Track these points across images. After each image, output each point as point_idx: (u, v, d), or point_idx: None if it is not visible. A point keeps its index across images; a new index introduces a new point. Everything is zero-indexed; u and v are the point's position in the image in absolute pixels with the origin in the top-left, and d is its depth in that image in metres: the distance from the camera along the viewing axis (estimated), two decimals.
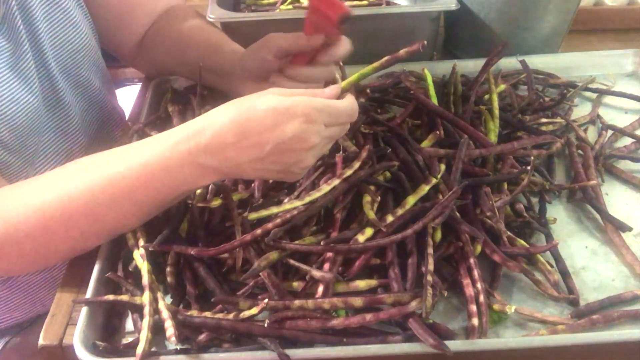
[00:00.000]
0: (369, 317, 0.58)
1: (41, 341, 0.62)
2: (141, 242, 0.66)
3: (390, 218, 0.67)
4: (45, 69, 0.79)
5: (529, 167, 0.72)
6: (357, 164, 0.68)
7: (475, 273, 0.63)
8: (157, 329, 0.59)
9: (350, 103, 0.63)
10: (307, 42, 0.73)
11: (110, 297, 0.63)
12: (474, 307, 0.61)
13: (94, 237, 0.66)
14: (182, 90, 0.93)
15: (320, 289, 0.62)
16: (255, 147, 0.58)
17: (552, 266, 0.67)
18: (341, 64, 0.81)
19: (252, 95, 0.60)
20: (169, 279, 0.65)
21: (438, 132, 0.78)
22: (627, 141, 0.86)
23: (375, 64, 0.67)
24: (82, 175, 0.62)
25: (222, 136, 0.58)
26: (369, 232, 0.65)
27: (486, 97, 0.88)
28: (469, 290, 0.62)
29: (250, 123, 0.58)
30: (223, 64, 0.83)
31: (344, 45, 0.72)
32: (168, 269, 0.66)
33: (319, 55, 0.73)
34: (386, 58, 0.67)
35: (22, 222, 0.61)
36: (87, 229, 0.63)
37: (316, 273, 0.62)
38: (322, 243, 0.63)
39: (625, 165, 0.82)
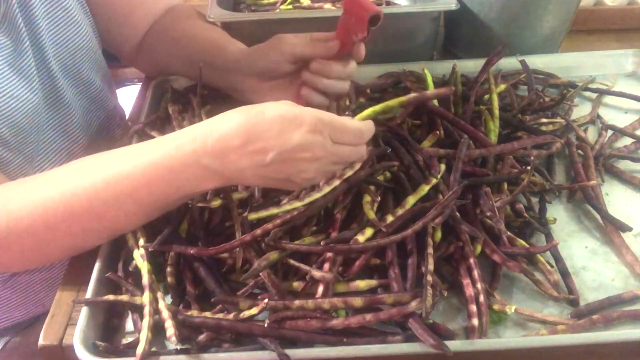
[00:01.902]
0: (369, 317, 0.58)
1: (41, 341, 0.62)
2: (141, 242, 0.66)
3: (390, 218, 0.67)
4: (45, 67, 0.79)
5: (529, 167, 0.72)
6: (357, 165, 0.68)
7: (475, 273, 0.63)
8: (157, 329, 0.60)
9: (360, 124, 0.64)
10: (324, 50, 0.75)
11: (110, 297, 0.63)
12: (474, 307, 0.61)
13: (95, 236, 0.66)
14: (182, 90, 0.93)
15: (320, 289, 0.62)
16: (259, 153, 0.58)
17: (552, 266, 0.67)
18: None
19: (261, 103, 0.61)
20: (169, 279, 0.65)
21: (438, 132, 0.78)
22: (627, 141, 0.86)
23: (403, 99, 0.73)
24: (87, 173, 0.63)
25: (227, 139, 0.59)
26: (369, 232, 0.65)
27: (486, 97, 0.88)
28: (469, 290, 0.62)
29: (257, 128, 0.58)
30: (226, 61, 0.83)
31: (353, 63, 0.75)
32: (168, 269, 0.66)
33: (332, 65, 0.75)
34: (414, 95, 0.75)
35: (24, 216, 0.61)
36: (88, 227, 0.63)
37: (316, 273, 0.62)
38: (322, 243, 0.63)
39: (625, 165, 0.82)
